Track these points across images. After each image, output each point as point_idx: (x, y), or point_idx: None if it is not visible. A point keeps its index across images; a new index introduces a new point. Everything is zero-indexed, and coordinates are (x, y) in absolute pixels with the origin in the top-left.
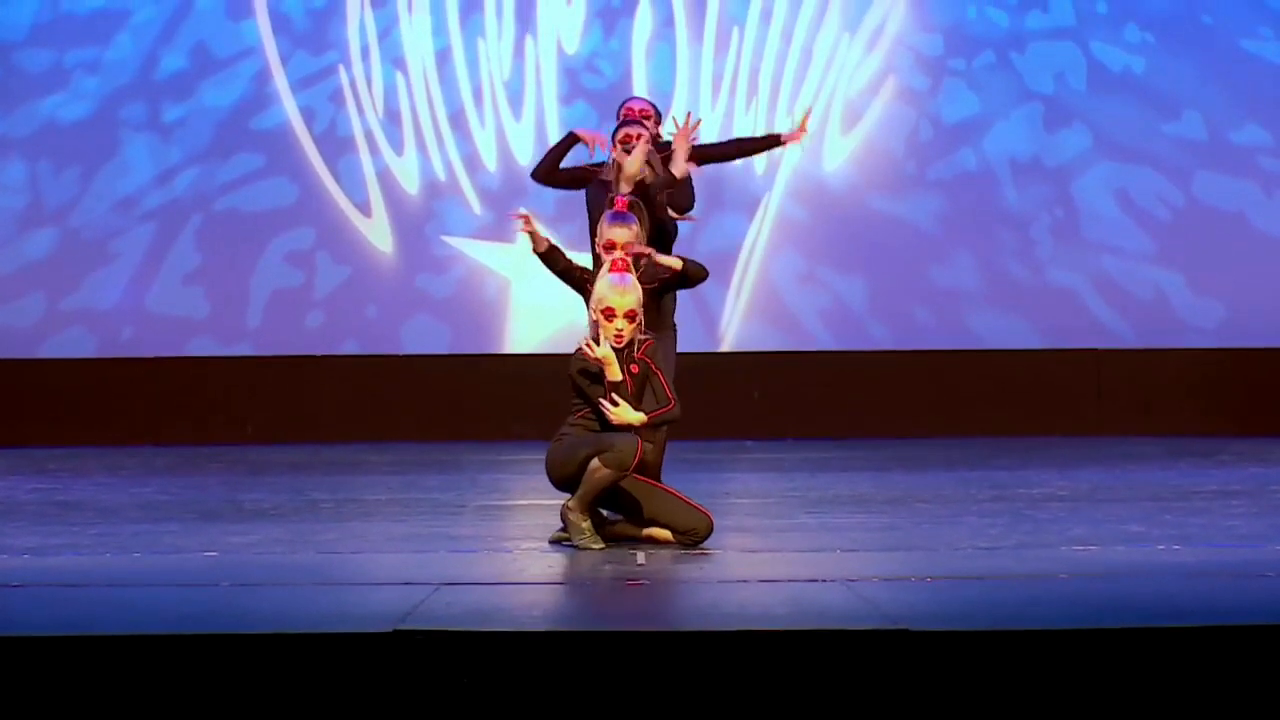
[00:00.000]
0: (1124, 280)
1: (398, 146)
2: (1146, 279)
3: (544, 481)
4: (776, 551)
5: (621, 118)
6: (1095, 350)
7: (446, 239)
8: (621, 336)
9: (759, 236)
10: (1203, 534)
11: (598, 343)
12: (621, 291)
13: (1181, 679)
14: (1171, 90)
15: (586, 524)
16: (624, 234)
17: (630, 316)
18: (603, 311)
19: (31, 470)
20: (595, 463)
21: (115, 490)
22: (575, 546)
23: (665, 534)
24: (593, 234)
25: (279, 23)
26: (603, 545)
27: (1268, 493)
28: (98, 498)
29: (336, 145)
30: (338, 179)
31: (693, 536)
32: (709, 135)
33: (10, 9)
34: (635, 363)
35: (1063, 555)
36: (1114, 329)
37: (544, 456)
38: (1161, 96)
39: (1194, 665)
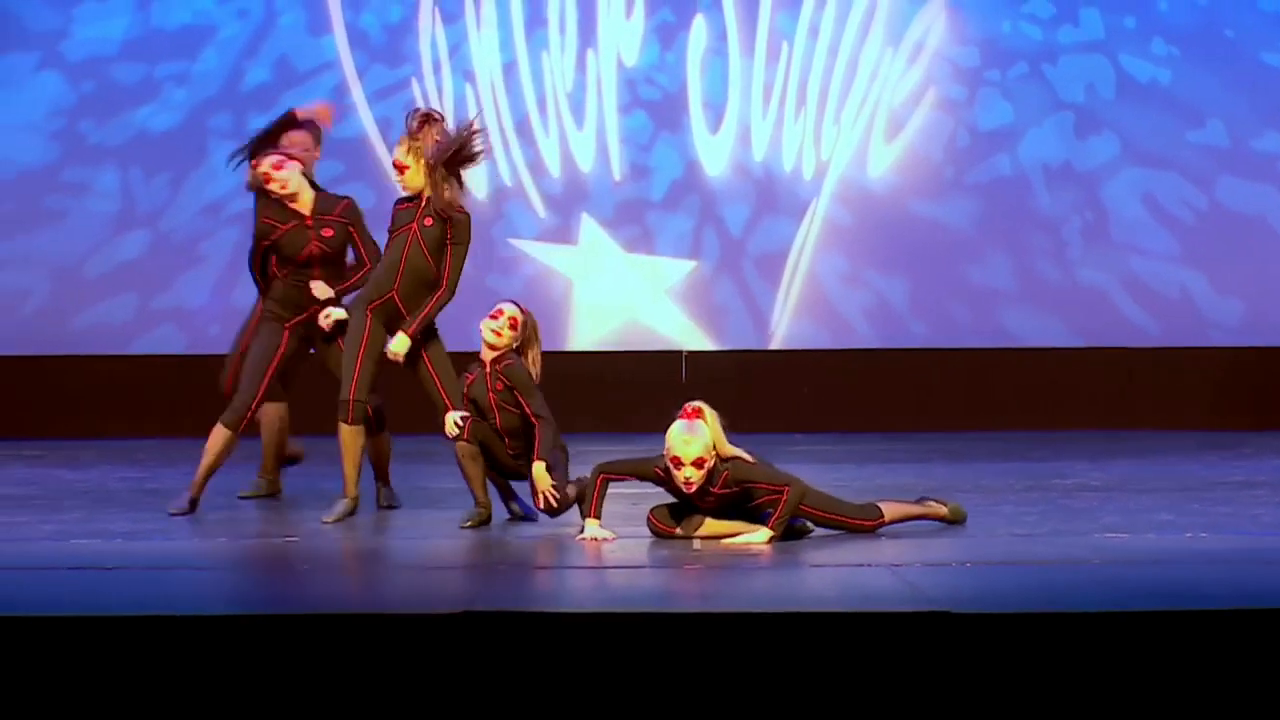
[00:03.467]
0: (1150, 280)
1: None
2: (1171, 279)
3: None
4: (826, 539)
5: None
6: (1123, 348)
7: (513, 241)
8: (691, 484)
9: (807, 239)
10: (1229, 522)
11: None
12: (686, 441)
13: (1210, 660)
14: (1195, 100)
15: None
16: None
17: (698, 464)
18: (671, 460)
19: (123, 460)
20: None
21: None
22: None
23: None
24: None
25: (356, 39)
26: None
27: None
28: (185, 485)
29: None
30: None
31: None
32: (761, 145)
33: (104, 25)
34: (713, 496)
35: (1095, 542)
36: (1141, 326)
37: (603, 449)
38: (1186, 106)
39: (1221, 646)
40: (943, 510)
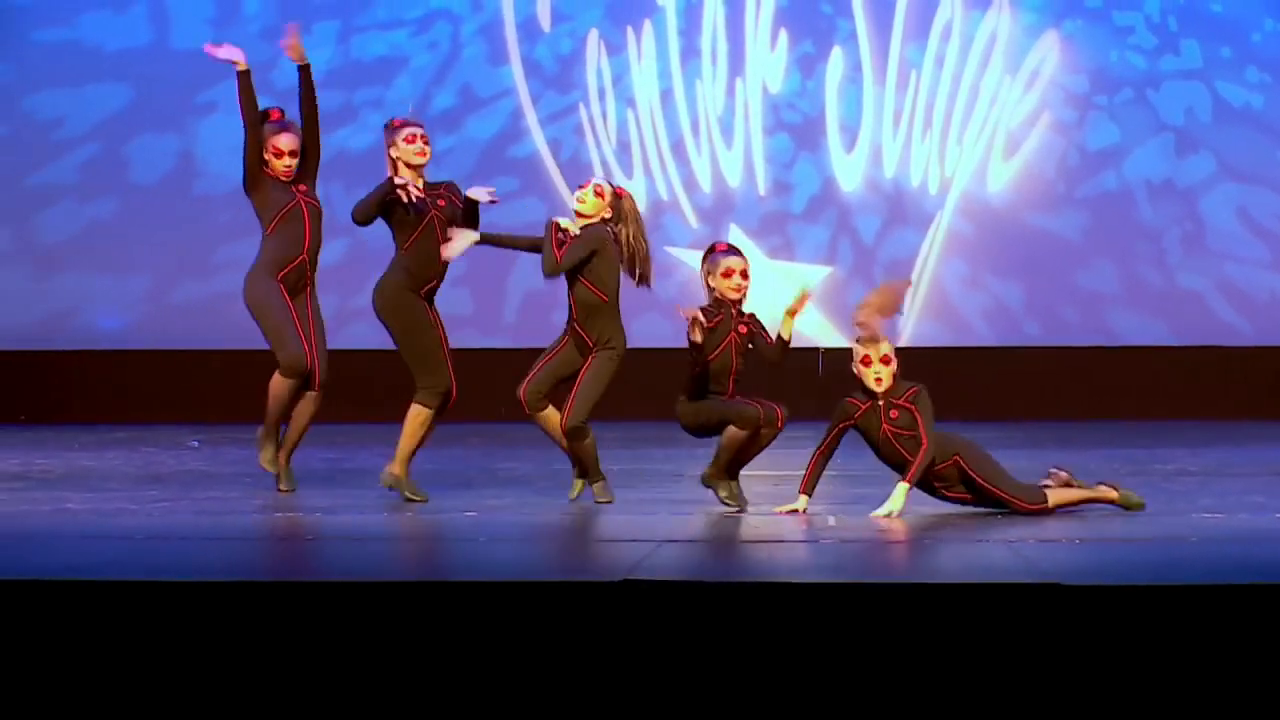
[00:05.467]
0: (1243, 284)
1: (628, 171)
2: (1263, 284)
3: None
4: (948, 517)
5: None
6: (1218, 346)
7: (669, 249)
8: (881, 381)
9: (932, 248)
10: None
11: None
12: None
13: None
14: None
15: (727, 490)
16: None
17: (885, 361)
18: (861, 361)
19: (324, 443)
20: (731, 431)
21: (387, 460)
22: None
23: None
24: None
25: (531, 69)
26: (741, 506)
27: None
28: (376, 464)
29: (578, 171)
30: None
31: (772, 427)
32: (891, 163)
33: (310, 57)
34: (895, 409)
35: (1193, 521)
36: (1235, 327)
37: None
38: (1277, 128)
39: None
40: (1113, 494)
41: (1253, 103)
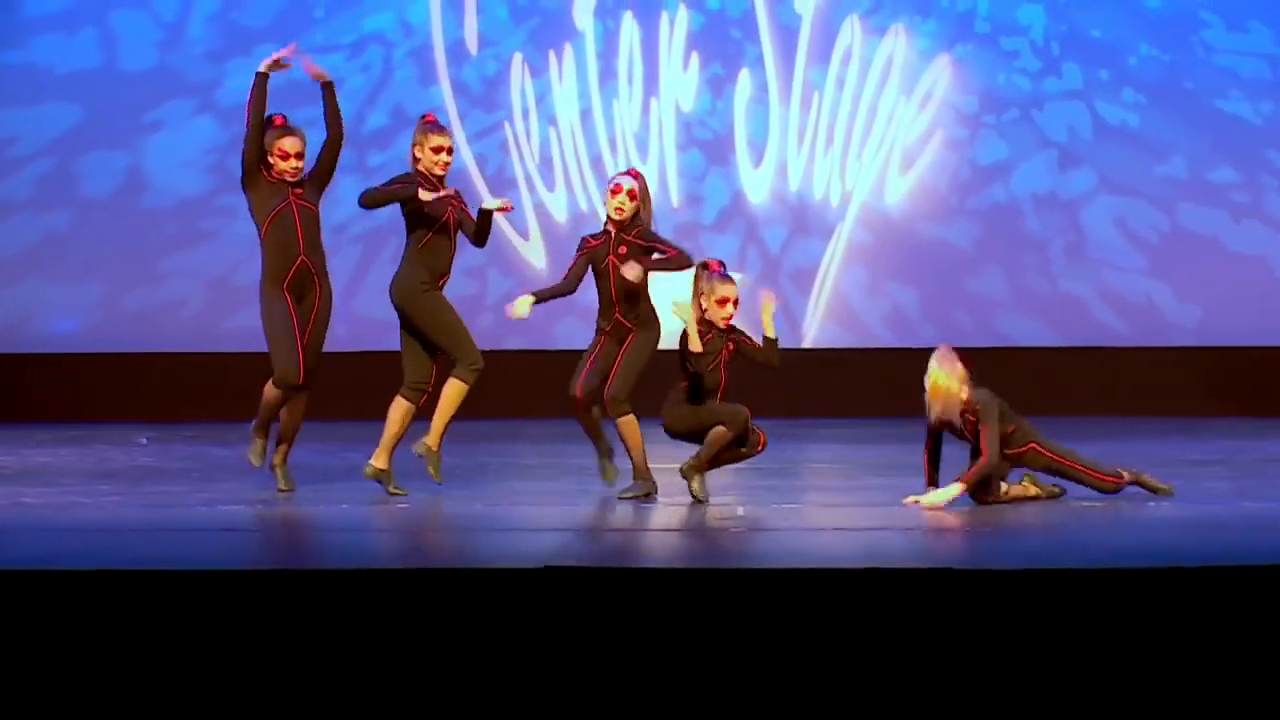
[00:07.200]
0: (1121, 290)
1: (550, 185)
2: (1139, 289)
3: (664, 448)
4: (848, 506)
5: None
6: (1099, 346)
7: None
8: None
9: (834, 256)
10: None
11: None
12: (948, 374)
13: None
14: (1160, 139)
15: (699, 483)
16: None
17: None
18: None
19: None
20: (719, 429)
21: (327, 457)
22: (696, 499)
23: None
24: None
25: (458, 89)
26: (708, 499)
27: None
28: (307, 462)
29: (503, 185)
30: None
31: (753, 449)
32: (795, 177)
33: (249, 77)
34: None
35: (1074, 509)
36: (1114, 329)
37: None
38: (1152, 144)
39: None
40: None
41: (1129, 121)
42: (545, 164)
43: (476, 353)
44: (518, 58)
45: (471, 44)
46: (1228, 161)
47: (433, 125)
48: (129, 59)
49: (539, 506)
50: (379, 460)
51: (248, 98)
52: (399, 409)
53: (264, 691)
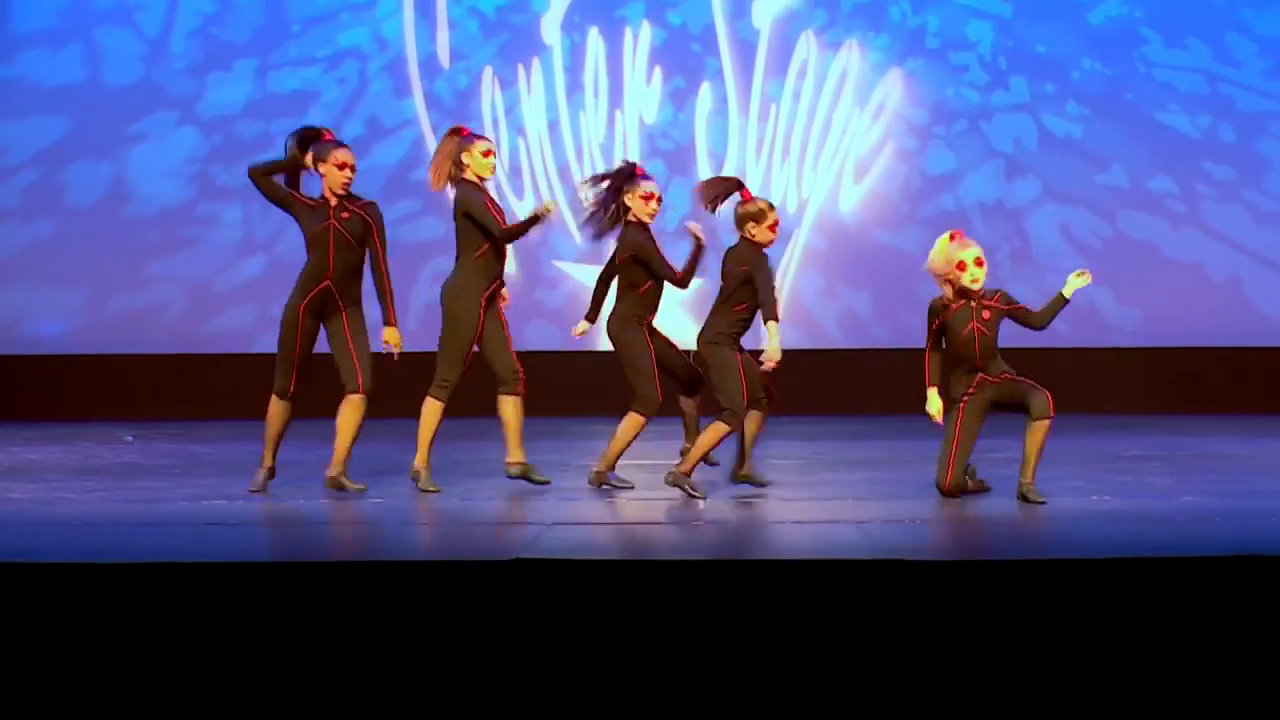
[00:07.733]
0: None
1: (519, 193)
2: (1081, 293)
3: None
4: (804, 500)
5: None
6: (1042, 348)
7: (557, 263)
8: (978, 281)
9: (791, 261)
10: (1125, 489)
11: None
12: (964, 244)
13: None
14: (1101, 150)
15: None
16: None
17: (979, 263)
18: (957, 268)
19: (247, 437)
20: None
21: (309, 453)
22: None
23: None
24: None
25: (431, 101)
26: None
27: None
28: (305, 460)
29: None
30: None
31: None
32: (754, 186)
33: (231, 91)
34: (989, 310)
35: (1026, 506)
36: (1057, 330)
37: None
38: (1094, 155)
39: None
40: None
41: (1073, 132)
42: (514, 173)
43: (516, 367)
44: (488, 71)
45: (444, 58)
46: (1166, 172)
47: (469, 133)
48: (113, 73)
49: (510, 500)
50: (514, 455)
51: (264, 166)
52: (506, 406)
53: (245, 681)
